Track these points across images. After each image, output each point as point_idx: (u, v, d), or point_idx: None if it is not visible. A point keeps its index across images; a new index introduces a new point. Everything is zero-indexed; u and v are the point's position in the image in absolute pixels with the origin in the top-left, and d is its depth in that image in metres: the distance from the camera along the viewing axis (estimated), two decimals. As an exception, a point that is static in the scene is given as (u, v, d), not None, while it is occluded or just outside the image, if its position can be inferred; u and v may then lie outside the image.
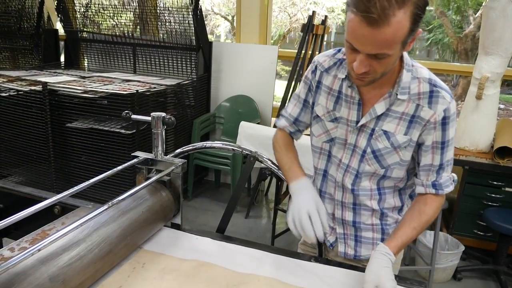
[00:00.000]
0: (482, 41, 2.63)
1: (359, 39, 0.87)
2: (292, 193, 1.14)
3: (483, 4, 2.61)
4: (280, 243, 2.91)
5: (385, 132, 1.07)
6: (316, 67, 1.18)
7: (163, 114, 1.20)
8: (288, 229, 2.97)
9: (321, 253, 1.27)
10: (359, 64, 0.91)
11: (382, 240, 1.23)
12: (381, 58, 0.89)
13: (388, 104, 1.05)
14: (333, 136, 1.16)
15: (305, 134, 1.31)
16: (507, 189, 2.68)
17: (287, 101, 1.22)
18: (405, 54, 1.02)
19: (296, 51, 3.30)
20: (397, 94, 1.02)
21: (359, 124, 1.09)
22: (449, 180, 1.12)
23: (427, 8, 0.89)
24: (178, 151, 1.38)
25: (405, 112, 1.04)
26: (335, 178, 1.19)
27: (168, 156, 1.28)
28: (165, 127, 1.21)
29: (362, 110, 1.09)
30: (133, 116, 1.23)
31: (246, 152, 1.37)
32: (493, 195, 2.70)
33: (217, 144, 1.37)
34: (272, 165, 1.36)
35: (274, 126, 1.35)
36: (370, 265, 0.99)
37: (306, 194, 1.11)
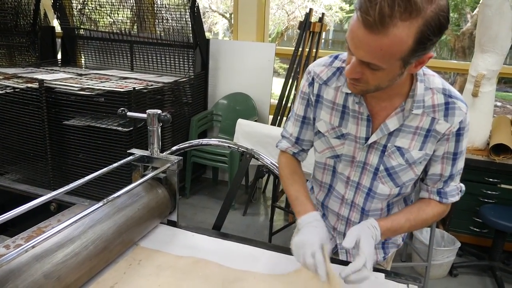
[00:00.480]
0: (478, 39, 2.64)
1: (353, 40, 0.81)
2: (299, 227, 1.03)
3: (480, 1, 2.61)
4: (278, 240, 2.91)
5: (399, 149, 1.01)
6: (313, 79, 1.09)
7: (159, 111, 1.20)
8: (285, 226, 2.99)
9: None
10: (350, 68, 0.85)
11: (383, 244, 1.22)
12: (374, 69, 0.83)
13: (401, 120, 0.98)
14: (339, 153, 1.09)
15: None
16: (502, 186, 2.69)
17: (286, 119, 1.14)
18: None
19: (294, 48, 3.30)
20: (411, 110, 0.95)
21: (370, 141, 1.02)
22: (455, 190, 1.07)
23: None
24: (174, 148, 1.39)
25: (419, 127, 0.98)
26: (342, 194, 1.15)
27: (164, 153, 1.28)
28: (161, 124, 1.22)
29: (372, 126, 1.02)
30: (129, 113, 1.24)
31: (242, 149, 1.38)
32: (489, 192, 2.71)
33: (213, 141, 1.37)
34: (268, 162, 1.37)
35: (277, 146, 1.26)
36: (354, 228, 0.96)
37: (313, 231, 0.98)
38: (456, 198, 1.08)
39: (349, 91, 1.00)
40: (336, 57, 1.08)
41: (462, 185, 1.09)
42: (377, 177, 1.06)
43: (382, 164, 1.04)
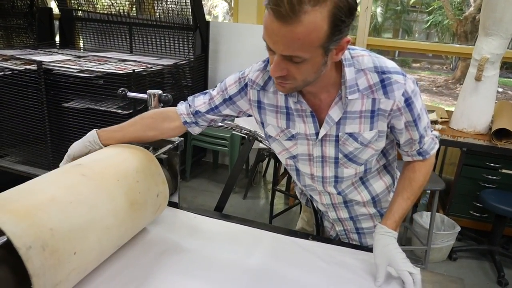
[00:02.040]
0: (482, 22, 2.59)
1: (270, 36, 0.80)
2: None
3: (485, -17, 2.56)
4: (278, 223, 2.92)
5: (351, 135, 1.01)
6: (246, 85, 1.07)
7: (160, 91, 1.19)
8: (285, 210, 3.00)
9: (319, 232, 1.28)
10: (274, 66, 0.83)
11: None
12: (298, 62, 0.82)
13: (342, 108, 0.97)
14: (294, 153, 1.10)
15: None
16: (503, 170, 2.69)
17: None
18: None
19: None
20: (347, 97, 0.94)
21: (320, 136, 1.02)
22: (432, 142, 1.08)
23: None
24: (175, 129, 1.37)
25: (363, 110, 0.97)
26: (315, 187, 1.16)
27: (165, 134, 1.27)
28: (162, 105, 1.20)
29: (317, 120, 1.01)
30: (129, 94, 1.22)
31: (246, 131, 1.36)
32: (490, 177, 2.71)
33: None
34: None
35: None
36: (375, 249, 1.00)
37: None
38: (436, 147, 1.09)
39: (286, 93, 0.99)
40: (268, 60, 1.04)
41: (435, 132, 1.10)
42: (339, 165, 1.07)
43: (340, 152, 1.04)
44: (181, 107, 1.15)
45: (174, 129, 1.15)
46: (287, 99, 1.02)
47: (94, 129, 1.13)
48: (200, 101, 1.13)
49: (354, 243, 1.23)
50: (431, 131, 1.08)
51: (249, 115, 1.14)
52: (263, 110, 1.07)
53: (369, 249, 1.14)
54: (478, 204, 2.77)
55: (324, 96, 0.98)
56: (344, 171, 1.08)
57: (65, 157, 1.11)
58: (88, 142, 1.11)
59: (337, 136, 1.02)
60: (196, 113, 1.13)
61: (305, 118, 1.02)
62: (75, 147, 1.11)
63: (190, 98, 1.15)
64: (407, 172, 1.10)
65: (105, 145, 1.11)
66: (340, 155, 1.04)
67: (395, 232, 1.02)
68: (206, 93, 1.15)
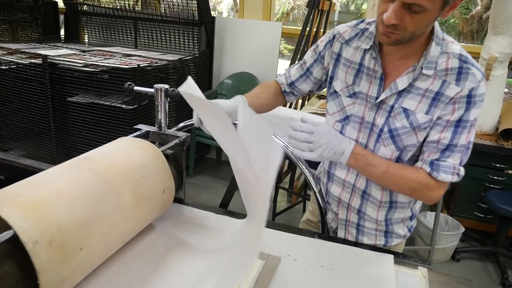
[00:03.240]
0: (492, 20, 2.57)
1: None
2: None
3: (495, -18, 2.53)
4: (281, 221, 2.92)
5: (405, 110, 0.99)
6: (334, 37, 1.12)
7: (166, 86, 1.18)
8: (288, 208, 2.99)
9: (324, 230, 1.27)
10: (391, 13, 0.84)
11: (386, 233, 1.19)
12: (416, 12, 0.83)
13: (411, 79, 0.97)
14: (348, 113, 1.09)
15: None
16: (509, 171, 2.67)
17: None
18: (437, 25, 0.95)
19: (300, 28, 3.24)
20: (422, 68, 0.95)
21: (378, 100, 1.02)
22: (450, 168, 0.97)
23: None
24: (181, 125, 1.36)
25: (429, 89, 0.96)
26: None
27: (171, 129, 1.26)
28: (168, 99, 1.19)
29: (383, 85, 1.02)
30: (136, 88, 1.21)
31: (250, 127, 1.35)
32: (496, 178, 2.70)
33: (221, 118, 1.34)
34: (276, 140, 1.34)
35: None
36: (329, 131, 0.97)
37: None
38: (449, 177, 0.97)
39: (368, 47, 1.03)
40: (362, 21, 1.11)
41: (462, 168, 0.98)
42: (380, 139, 1.05)
43: (387, 125, 1.03)
44: (281, 78, 1.27)
45: (283, 97, 1.28)
46: (364, 56, 1.06)
47: (240, 96, 1.12)
48: (294, 69, 1.24)
49: (350, 238, 1.22)
50: (460, 163, 0.98)
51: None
52: (338, 63, 1.11)
53: (368, 247, 1.13)
54: (482, 205, 2.75)
55: (399, 63, 1.00)
56: (381, 149, 1.05)
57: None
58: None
59: (392, 107, 1.01)
60: (291, 84, 1.24)
61: (373, 79, 1.04)
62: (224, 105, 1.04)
63: (287, 69, 1.27)
64: (406, 165, 1.05)
65: None
66: (385, 129, 1.03)
67: (349, 150, 0.98)
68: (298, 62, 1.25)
